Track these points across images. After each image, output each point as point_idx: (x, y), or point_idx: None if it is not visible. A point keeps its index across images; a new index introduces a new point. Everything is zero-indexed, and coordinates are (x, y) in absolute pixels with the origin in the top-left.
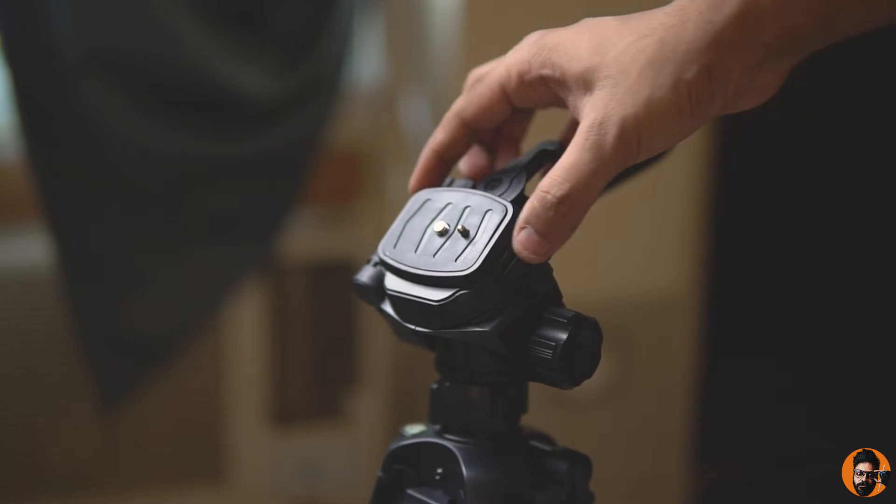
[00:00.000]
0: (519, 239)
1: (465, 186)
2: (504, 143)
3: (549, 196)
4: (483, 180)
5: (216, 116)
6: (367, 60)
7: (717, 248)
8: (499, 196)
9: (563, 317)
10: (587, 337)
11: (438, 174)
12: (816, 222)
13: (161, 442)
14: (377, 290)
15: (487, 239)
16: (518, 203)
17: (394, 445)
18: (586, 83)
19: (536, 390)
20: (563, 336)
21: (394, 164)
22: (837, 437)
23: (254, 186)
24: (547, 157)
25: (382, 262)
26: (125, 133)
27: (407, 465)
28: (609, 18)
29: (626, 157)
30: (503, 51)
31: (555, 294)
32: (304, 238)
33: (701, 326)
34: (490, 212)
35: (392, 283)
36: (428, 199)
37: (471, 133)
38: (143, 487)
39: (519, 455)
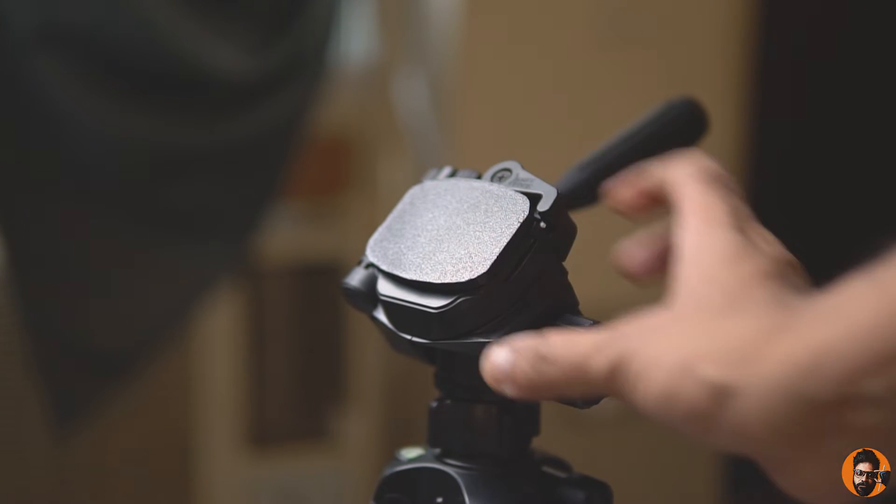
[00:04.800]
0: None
1: (469, 177)
2: None
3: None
4: (490, 170)
5: (185, 98)
6: (357, 36)
7: None
8: (510, 188)
9: (580, 326)
10: None
11: None
12: (843, 224)
13: (124, 467)
14: (369, 295)
15: (497, 238)
16: (534, 198)
17: (388, 471)
18: None
19: (549, 410)
20: None
21: (386, 153)
22: None
23: (228, 177)
24: None
25: (372, 266)
26: (82, 116)
27: (403, 494)
28: None
29: None
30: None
31: (570, 301)
32: (286, 236)
33: None
34: (500, 207)
35: (386, 287)
36: (427, 192)
37: None
38: None
39: (530, 482)
